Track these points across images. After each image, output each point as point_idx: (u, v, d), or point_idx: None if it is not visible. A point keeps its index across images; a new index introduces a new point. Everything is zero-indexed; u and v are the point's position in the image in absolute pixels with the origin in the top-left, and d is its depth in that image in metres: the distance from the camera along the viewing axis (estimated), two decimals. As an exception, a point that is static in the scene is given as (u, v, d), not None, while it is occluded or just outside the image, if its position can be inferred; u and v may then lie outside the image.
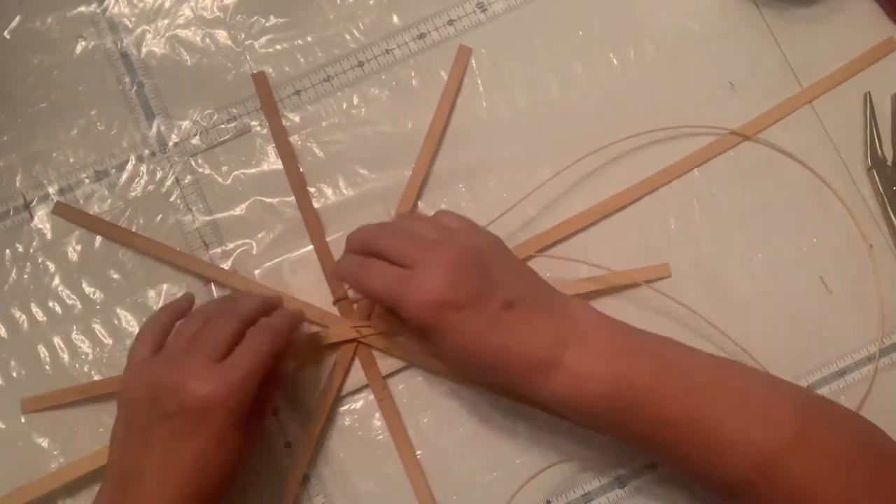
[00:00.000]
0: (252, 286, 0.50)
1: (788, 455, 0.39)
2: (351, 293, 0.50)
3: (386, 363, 0.50)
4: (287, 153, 0.52)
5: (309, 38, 0.54)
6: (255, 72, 0.53)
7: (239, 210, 0.52)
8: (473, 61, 0.54)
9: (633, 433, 0.41)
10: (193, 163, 0.52)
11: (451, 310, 0.40)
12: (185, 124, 0.53)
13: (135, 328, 0.50)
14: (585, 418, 0.42)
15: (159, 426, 0.39)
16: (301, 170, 0.52)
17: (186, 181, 0.52)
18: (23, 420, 0.49)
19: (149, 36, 0.54)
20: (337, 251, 0.50)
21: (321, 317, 0.50)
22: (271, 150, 0.52)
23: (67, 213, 0.51)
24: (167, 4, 0.54)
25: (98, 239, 0.51)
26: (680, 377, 0.41)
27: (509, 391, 0.44)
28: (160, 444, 0.39)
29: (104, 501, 0.40)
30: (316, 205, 0.52)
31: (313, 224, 0.51)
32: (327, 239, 0.51)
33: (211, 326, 0.41)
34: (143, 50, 0.53)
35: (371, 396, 0.49)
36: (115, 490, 0.40)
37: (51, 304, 0.50)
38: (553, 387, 0.40)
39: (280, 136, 0.52)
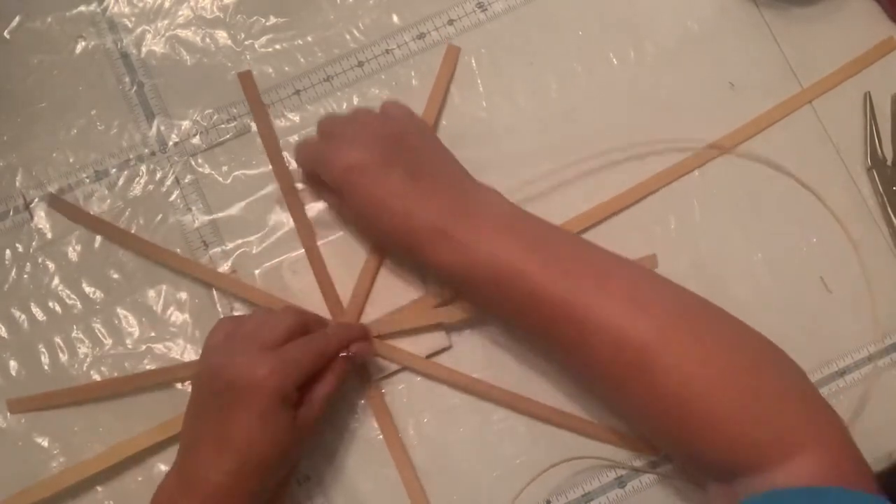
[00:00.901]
0: (247, 290, 0.50)
1: (655, 347, 0.39)
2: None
3: (381, 364, 0.49)
4: (275, 153, 0.52)
5: (309, 38, 0.54)
6: (241, 71, 0.53)
7: (239, 210, 0.52)
8: (473, 61, 0.54)
9: (513, 312, 0.44)
10: (193, 163, 0.52)
11: (357, 172, 0.44)
12: (185, 124, 0.53)
13: (135, 328, 0.50)
14: (473, 292, 0.45)
15: (212, 401, 0.42)
16: (291, 170, 0.52)
17: (186, 181, 0.52)
18: (23, 420, 0.49)
19: (149, 36, 0.54)
20: (337, 251, 0.50)
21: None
22: (271, 150, 0.53)
23: (62, 207, 0.51)
24: (167, 4, 0.54)
25: (98, 239, 0.51)
26: (557, 261, 0.42)
27: (413, 258, 0.45)
28: (212, 418, 0.42)
29: (173, 466, 0.43)
30: (316, 205, 0.52)
31: (304, 227, 0.51)
32: (328, 239, 0.51)
33: (270, 321, 0.44)
34: (143, 50, 0.53)
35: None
36: (179, 458, 0.43)
37: (51, 304, 0.50)
38: (442, 256, 0.43)
39: (269, 136, 0.52)
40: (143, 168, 0.52)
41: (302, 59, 0.53)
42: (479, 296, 0.45)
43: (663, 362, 0.39)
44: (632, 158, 0.52)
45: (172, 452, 0.48)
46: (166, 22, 0.54)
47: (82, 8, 0.54)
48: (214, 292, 0.51)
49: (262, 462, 0.41)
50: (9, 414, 0.49)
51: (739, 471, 0.39)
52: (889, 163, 0.52)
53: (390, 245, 0.47)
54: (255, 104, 0.52)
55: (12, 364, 0.50)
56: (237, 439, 0.40)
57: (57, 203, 0.51)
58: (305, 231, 0.51)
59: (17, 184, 0.52)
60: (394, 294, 0.50)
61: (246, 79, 0.53)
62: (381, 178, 0.44)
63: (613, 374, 0.41)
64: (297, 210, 0.51)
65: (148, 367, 0.50)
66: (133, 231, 0.51)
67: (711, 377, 0.39)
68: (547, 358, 0.49)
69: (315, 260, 0.50)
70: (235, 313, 0.50)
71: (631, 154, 0.52)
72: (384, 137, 0.45)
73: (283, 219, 0.52)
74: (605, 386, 0.43)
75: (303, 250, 0.51)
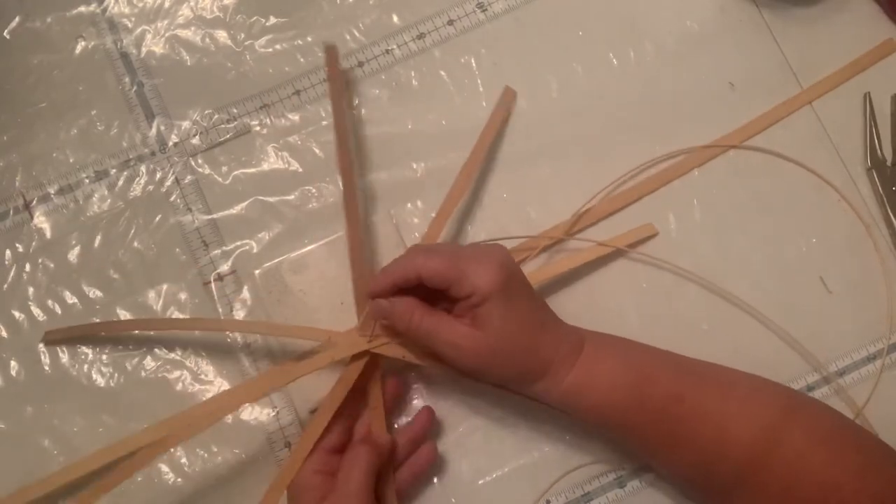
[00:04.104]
0: (258, 326, 0.50)
1: (786, 426, 0.41)
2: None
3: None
4: (342, 130, 0.50)
5: (309, 38, 0.54)
6: (327, 43, 0.51)
7: (239, 210, 0.52)
8: (473, 61, 0.54)
9: (643, 415, 0.43)
10: (193, 163, 0.52)
11: (515, 276, 0.43)
12: (185, 124, 0.53)
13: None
14: (600, 404, 0.43)
15: None
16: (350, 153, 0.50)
17: (186, 181, 0.52)
18: (23, 420, 0.49)
19: (149, 36, 0.54)
20: (338, 251, 0.50)
21: (325, 337, 0.47)
22: (271, 149, 0.52)
23: (59, 336, 0.50)
24: (167, 4, 0.54)
25: (98, 239, 0.51)
26: (678, 363, 0.45)
27: (523, 383, 0.44)
28: None
29: None
30: (315, 205, 0.52)
31: (352, 208, 0.48)
32: (328, 239, 0.51)
33: None
34: (143, 50, 0.53)
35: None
36: None
37: (51, 304, 0.50)
38: (575, 374, 0.43)
39: (340, 114, 0.50)
40: (143, 168, 0.52)
41: (302, 59, 0.53)
42: (610, 404, 0.43)
43: (794, 436, 0.41)
44: (632, 157, 0.52)
45: (172, 452, 0.48)
46: (166, 22, 0.54)
47: (82, 8, 0.54)
48: (214, 292, 0.51)
49: None
50: (8, 414, 0.49)
51: None
52: (889, 163, 0.52)
53: (516, 367, 0.43)
54: (333, 76, 0.51)
55: (12, 364, 0.50)
56: None
57: (53, 336, 0.50)
58: (352, 213, 0.48)
59: (17, 184, 0.52)
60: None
61: (331, 52, 0.51)
62: (527, 290, 0.44)
63: (747, 457, 0.41)
64: (349, 190, 0.48)
65: (148, 367, 0.50)
66: (133, 231, 0.51)
67: (834, 443, 0.41)
68: (664, 461, 0.46)
69: (354, 243, 0.47)
70: (236, 308, 0.50)
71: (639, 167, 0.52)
72: (511, 262, 0.44)
73: (283, 219, 0.52)
74: (732, 472, 0.42)
75: (303, 250, 0.51)
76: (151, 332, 0.50)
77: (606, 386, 0.43)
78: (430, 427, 0.47)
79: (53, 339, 0.50)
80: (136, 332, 0.50)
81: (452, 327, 0.42)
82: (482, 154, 0.51)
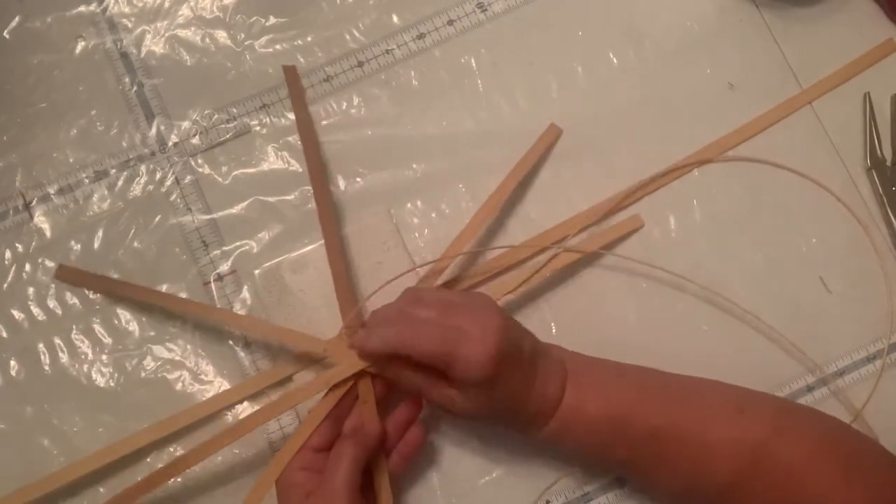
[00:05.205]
0: (259, 326, 0.50)
1: (772, 442, 0.41)
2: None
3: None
4: (310, 148, 0.51)
5: (309, 38, 0.54)
6: (285, 65, 0.52)
7: (239, 210, 0.52)
8: (473, 61, 0.54)
9: (625, 449, 0.43)
10: (193, 163, 0.52)
11: (507, 359, 0.42)
12: (185, 124, 0.53)
13: (135, 328, 0.50)
14: (583, 443, 0.44)
15: None
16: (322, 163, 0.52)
17: (186, 181, 0.52)
18: (23, 420, 0.49)
19: (149, 36, 0.54)
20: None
21: (322, 348, 0.47)
22: (271, 149, 0.52)
23: (70, 275, 0.50)
24: (167, 4, 0.54)
25: (98, 239, 0.51)
26: (659, 390, 0.44)
27: (507, 429, 0.46)
28: None
29: None
30: (315, 205, 0.52)
31: (327, 216, 0.49)
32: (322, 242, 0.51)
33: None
34: (143, 50, 0.53)
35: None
36: None
37: (51, 304, 0.50)
38: (557, 419, 0.44)
39: (305, 124, 0.51)
40: (143, 168, 0.52)
41: (302, 59, 0.53)
42: (593, 441, 0.44)
43: (782, 451, 0.41)
44: (632, 156, 0.52)
45: (172, 451, 0.48)
46: (166, 22, 0.54)
47: (82, 8, 0.54)
48: (214, 292, 0.51)
49: None
50: (8, 414, 0.49)
51: None
52: (889, 163, 0.52)
53: (503, 422, 0.45)
54: (295, 95, 0.52)
55: (12, 364, 0.50)
56: None
57: (65, 273, 0.50)
58: (328, 221, 0.49)
59: (17, 184, 0.52)
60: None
61: (290, 73, 0.52)
62: (520, 360, 0.43)
63: (732, 477, 0.42)
64: (322, 199, 0.49)
65: (148, 367, 0.50)
66: (133, 231, 0.51)
67: (822, 454, 0.41)
68: (651, 485, 0.47)
69: (334, 251, 0.48)
70: (236, 308, 0.50)
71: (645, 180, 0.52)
72: (504, 316, 0.43)
73: (283, 219, 0.52)
74: (717, 493, 0.42)
75: (303, 250, 0.51)
76: (152, 332, 0.50)
77: (585, 430, 0.44)
78: (418, 412, 0.47)
79: (65, 276, 0.50)
80: (136, 331, 0.50)
81: (441, 392, 0.43)
82: (513, 185, 0.51)
